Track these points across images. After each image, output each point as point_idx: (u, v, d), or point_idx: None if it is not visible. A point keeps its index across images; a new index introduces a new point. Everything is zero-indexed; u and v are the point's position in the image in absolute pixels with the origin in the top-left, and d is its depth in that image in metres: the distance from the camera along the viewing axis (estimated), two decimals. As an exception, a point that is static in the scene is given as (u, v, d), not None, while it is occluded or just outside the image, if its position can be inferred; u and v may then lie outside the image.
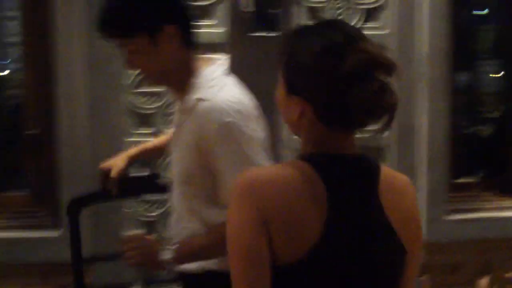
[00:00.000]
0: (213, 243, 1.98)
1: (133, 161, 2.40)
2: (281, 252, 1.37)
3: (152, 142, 2.58)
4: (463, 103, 4.05)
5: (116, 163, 2.34)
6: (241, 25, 3.28)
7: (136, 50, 1.95)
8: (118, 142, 3.15)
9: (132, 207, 3.26)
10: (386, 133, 3.51)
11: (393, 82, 1.43)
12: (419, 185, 3.55)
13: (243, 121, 1.94)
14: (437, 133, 3.57)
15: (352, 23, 3.43)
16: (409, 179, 1.57)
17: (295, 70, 1.46)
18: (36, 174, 3.31)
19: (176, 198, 2.12)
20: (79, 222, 2.62)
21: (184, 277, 2.13)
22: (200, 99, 1.96)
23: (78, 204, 2.65)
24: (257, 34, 3.24)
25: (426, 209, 3.55)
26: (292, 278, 1.39)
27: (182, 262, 2.04)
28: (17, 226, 3.30)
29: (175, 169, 2.09)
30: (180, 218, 2.11)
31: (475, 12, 4.25)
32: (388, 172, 1.53)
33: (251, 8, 3.22)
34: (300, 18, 3.38)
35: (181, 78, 2.03)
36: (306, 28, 1.52)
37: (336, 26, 1.49)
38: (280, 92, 1.53)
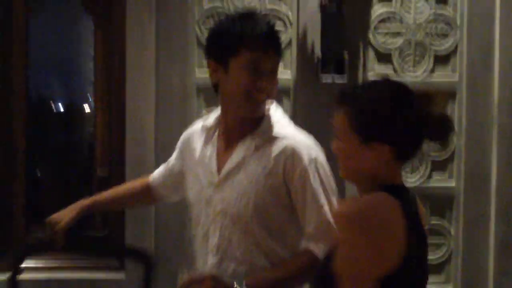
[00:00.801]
0: (290, 275, 2.02)
1: (85, 212, 2.37)
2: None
3: (108, 192, 2.50)
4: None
5: (66, 214, 2.33)
6: (308, 70, 3.29)
7: (277, 71, 2.08)
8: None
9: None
10: (455, 182, 3.47)
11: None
12: (490, 236, 3.44)
13: (323, 157, 2.09)
14: (509, 181, 3.45)
15: (422, 69, 3.41)
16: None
17: (372, 120, 1.68)
18: (105, 217, 3.36)
19: (226, 235, 2.09)
20: (20, 270, 2.56)
21: None
22: (277, 137, 2.06)
23: (23, 252, 2.66)
24: (324, 79, 3.24)
25: (494, 262, 3.43)
26: None
27: None
28: (84, 267, 3.33)
29: (231, 204, 2.07)
30: (233, 255, 2.08)
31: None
32: None
33: (319, 52, 3.23)
34: (368, 62, 3.38)
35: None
36: (361, 86, 1.84)
37: (385, 82, 1.78)
38: (349, 143, 1.72)
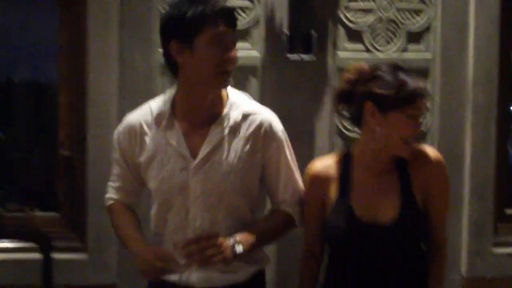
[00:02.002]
0: (272, 235, 2.27)
1: None
2: None
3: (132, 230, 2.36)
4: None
5: None
6: (276, 48, 3.22)
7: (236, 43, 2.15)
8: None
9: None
10: None
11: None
12: (463, 216, 3.38)
13: None
14: (484, 162, 3.41)
15: (395, 46, 3.33)
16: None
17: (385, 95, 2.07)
18: (66, 196, 3.29)
19: (210, 214, 2.17)
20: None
21: None
22: (249, 114, 2.19)
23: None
24: (292, 58, 3.17)
25: (469, 241, 3.39)
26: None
27: (250, 251, 2.16)
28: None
29: (216, 184, 2.15)
30: (214, 221, 2.17)
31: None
32: None
33: (286, 31, 3.15)
34: (339, 41, 3.30)
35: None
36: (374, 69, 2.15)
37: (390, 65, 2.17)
38: (373, 119, 2.09)
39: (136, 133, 2.22)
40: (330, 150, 3.13)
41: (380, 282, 2.12)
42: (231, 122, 2.17)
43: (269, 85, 3.22)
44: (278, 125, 2.23)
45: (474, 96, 3.37)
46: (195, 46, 2.06)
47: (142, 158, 2.22)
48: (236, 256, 2.09)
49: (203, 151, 2.14)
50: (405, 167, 2.16)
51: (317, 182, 2.23)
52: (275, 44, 3.22)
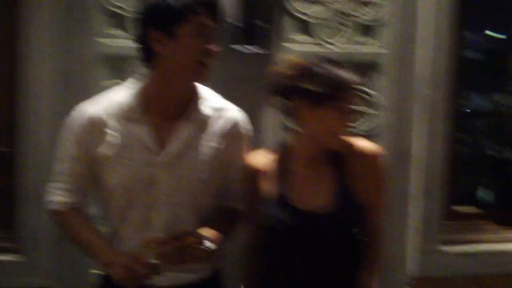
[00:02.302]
0: (230, 230, 2.25)
1: None
2: None
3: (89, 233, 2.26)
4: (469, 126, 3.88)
5: None
6: (220, 40, 3.09)
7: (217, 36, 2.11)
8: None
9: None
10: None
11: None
12: (413, 212, 3.33)
13: None
14: (431, 158, 3.35)
15: (345, 39, 3.24)
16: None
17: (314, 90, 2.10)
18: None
19: (175, 211, 2.15)
20: None
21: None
22: (218, 109, 2.20)
23: None
24: (237, 48, 3.05)
25: (416, 239, 3.33)
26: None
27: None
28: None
29: (184, 181, 2.13)
30: (179, 218, 2.15)
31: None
32: None
33: (231, 20, 3.03)
34: (291, 33, 3.19)
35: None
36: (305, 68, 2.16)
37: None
38: (305, 112, 2.13)
39: (96, 124, 2.13)
40: (274, 144, 3.03)
41: (316, 271, 2.14)
42: (201, 116, 2.15)
43: (212, 77, 3.09)
44: (246, 123, 2.28)
45: (421, 91, 3.30)
46: (178, 35, 2.03)
47: (102, 151, 2.13)
48: (209, 253, 2.06)
49: (174, 146, 2.11)
50: (342, 159, 2.19)
51: (256, 175, 2.25)
52: (220, 34, 3.10)
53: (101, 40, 3.01)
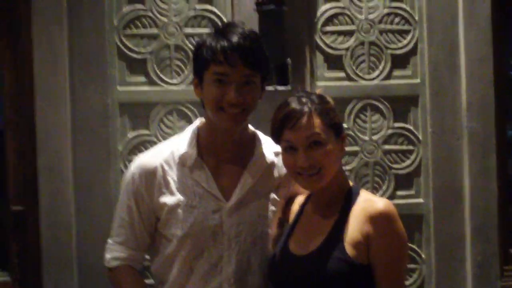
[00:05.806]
0: None
1: None
2: None
3: None
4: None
5: None
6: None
7: (255, 84, 2.07)
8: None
9: None
10: (423, 199, 3.10)
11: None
12: (466, 258, 3.09)
13: None
14: (485, 196, 3.10)
15: (377, 72, 3.06)
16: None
17: (335, 112, 1.97)
18: (19, 256, 2.94)
19: (245, 258, 2.10)
20: None
21: None
22: (272, 153, 2.16)
23: None
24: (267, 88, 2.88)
25: (473, 286, 3.08)
26: None
27: None
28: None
29: (253, 226, 2.11)
30: (253, 280, 2.12)
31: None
32: None
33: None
34: (319, 68, 3.03)
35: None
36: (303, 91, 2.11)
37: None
38: (332, 143, 1.93)
39: (155, 175, 2.10)
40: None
41: None
42: (266, 162, 2.15)
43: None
44: None
45: (469, 123, 3.08)
46: (204, 82, 2.05)
47: (166, 201, 2.09)
48: None
49: (239, 192, 2.10)
50: (349, 210, 2.01)
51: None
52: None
53: (121, 86, 2.90)
